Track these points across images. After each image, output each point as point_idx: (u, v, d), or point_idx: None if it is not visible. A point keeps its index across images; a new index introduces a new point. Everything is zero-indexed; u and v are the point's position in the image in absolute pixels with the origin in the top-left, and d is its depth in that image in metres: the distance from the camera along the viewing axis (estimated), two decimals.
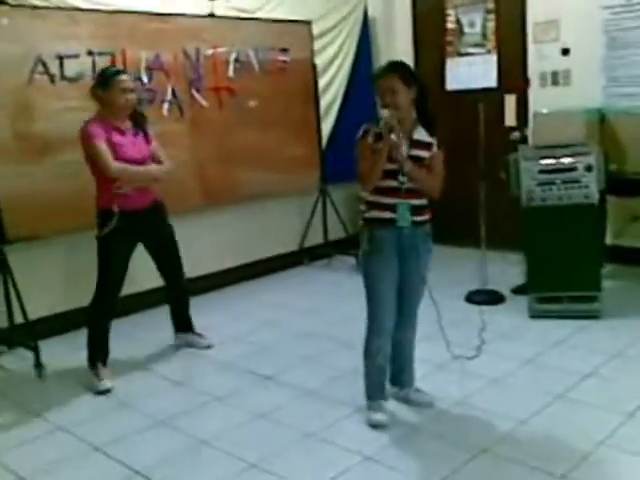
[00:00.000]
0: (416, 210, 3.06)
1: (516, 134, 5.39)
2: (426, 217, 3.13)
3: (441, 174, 3.11)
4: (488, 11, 6.12)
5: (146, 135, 3.94)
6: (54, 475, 2.96)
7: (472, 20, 6.25)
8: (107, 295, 3.85)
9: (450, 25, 6.39)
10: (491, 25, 6.12)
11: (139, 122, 3.92)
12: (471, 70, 6.29)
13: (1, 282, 4.21)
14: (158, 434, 3.25)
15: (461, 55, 6.34)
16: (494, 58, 6.13)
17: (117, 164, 3.70)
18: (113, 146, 3.71)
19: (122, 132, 3.80)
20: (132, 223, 3.79)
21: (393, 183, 3.01)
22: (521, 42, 5.90)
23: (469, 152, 5.07)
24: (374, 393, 3.24)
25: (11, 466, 3.02)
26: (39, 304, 4.39)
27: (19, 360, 4.16)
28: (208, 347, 4.29)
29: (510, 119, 5.95)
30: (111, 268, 3.82)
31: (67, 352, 4.18)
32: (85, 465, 3.02)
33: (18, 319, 4.21)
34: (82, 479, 2.94)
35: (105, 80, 3.78)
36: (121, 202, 3.76)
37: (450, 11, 6.37)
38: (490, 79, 6.15)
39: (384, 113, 2.98)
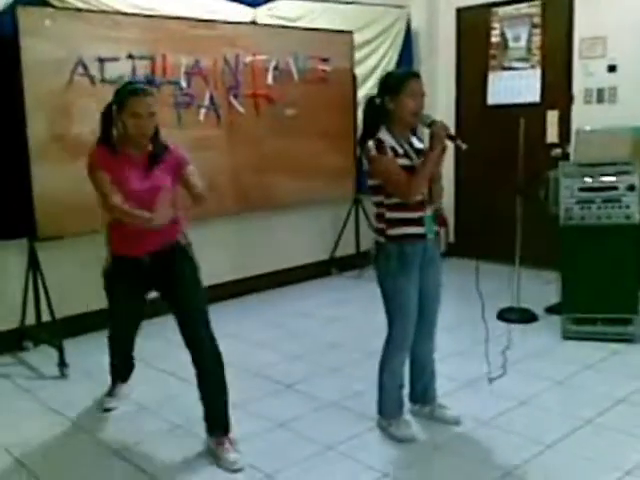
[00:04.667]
0: (435, 220, 3.01)
1: (557, 151, 5.29)
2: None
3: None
4: (534, 25, 6.02)
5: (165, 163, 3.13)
6: (66, 474, 2.97)
7: (517, 34, 6.15)
8: (117, 331, 3.51)
9: (494, 39, 6.29)
10: (536, 40, 6.02)
11: (157, 154, 3.12)
12: (514, 84, 6.19)
13: (30, 279, 4.25)
14: (177, 439, 3.22)
15: (504, 69, 6.24)
16: (538, 73, 6.02)
17: (116, 200, 3.00)
18: (116, 178, 3.05)
19: (132, 162, 3.09)
20: (131, 270, 3.15)
21: (419, 196, 2.95)
22: (566, 58, 5.78)
23: (508, 167, 4.97)
24: (396, 410, 3.16)
25: (25, 461, 3.04)
26: (67, 303, 4.43)
27: (45, 358, 4.18)
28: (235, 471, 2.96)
29: (552, 135, 5.84)
30: (115, 310, 3.38)
31: (92, 352, 4.16)
32: (99, 466, 3.02)
33: (45, 317, 4.24)
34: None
35: (119, 100, 3.07)
36: (116, 245, 3.20)
37: (495, 25, 6.27)
38: (533, 94, 6.04)
39: (430, 116, 2.92)
